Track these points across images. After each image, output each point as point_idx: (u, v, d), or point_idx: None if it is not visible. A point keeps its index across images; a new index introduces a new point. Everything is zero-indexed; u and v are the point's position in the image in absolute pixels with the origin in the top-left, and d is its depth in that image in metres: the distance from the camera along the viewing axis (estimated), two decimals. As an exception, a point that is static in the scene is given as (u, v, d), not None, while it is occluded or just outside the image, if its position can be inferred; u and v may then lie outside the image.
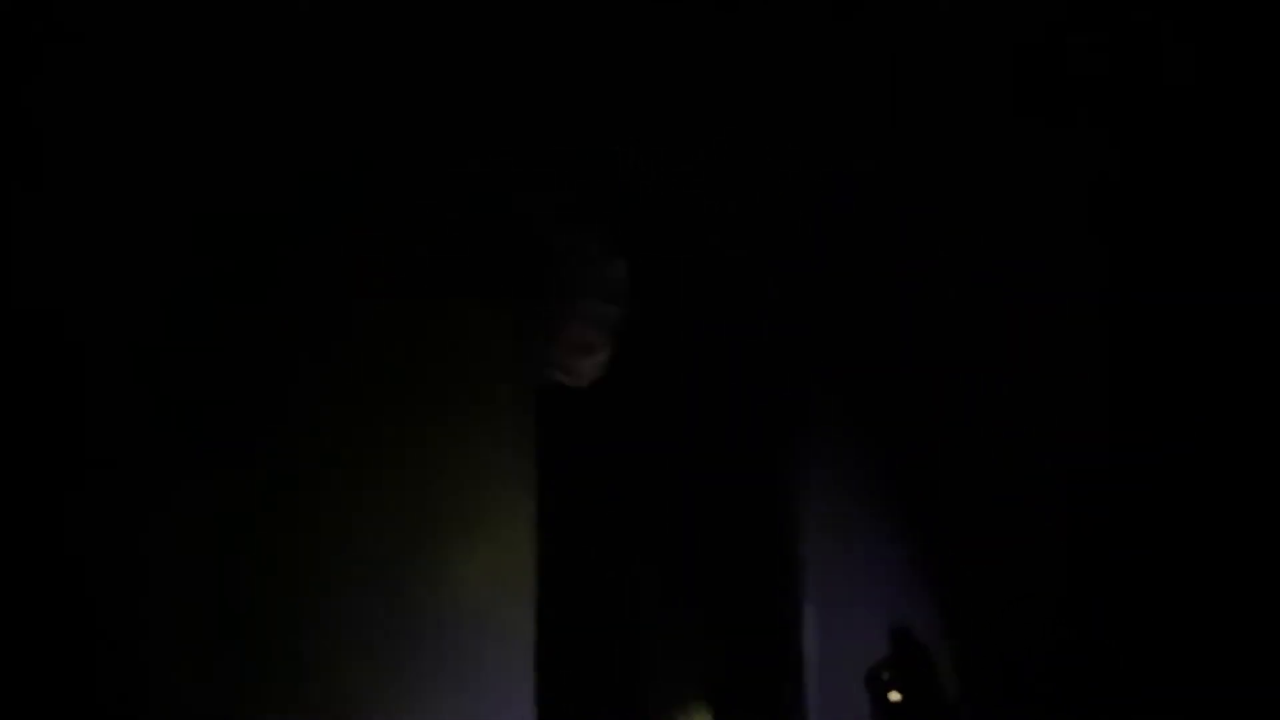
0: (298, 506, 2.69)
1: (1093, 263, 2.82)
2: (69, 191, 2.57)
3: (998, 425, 2.84)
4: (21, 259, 2.53)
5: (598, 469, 2.64)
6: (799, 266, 2.86)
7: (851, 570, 2.82)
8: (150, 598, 2.61)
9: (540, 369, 2.62)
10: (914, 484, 2.89)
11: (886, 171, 2.87)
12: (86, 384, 2.58)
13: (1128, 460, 2.78)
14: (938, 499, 2.88)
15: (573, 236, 2.70)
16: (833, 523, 2.84)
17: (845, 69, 2.85)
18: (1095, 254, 2.82)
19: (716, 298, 2.78)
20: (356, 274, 2.74)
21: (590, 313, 2.61)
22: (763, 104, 2.87)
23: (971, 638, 2.81)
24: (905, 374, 2.88)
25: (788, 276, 2.85)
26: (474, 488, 2.69)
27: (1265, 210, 2.73)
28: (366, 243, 2.75)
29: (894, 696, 2.56)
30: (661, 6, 2.79)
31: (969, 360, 2.85)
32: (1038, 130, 2.83)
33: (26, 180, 2.58)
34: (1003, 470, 2.84)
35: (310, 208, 2.73)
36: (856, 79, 2.85)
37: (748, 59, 2.84)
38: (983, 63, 2.84)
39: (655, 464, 2.61)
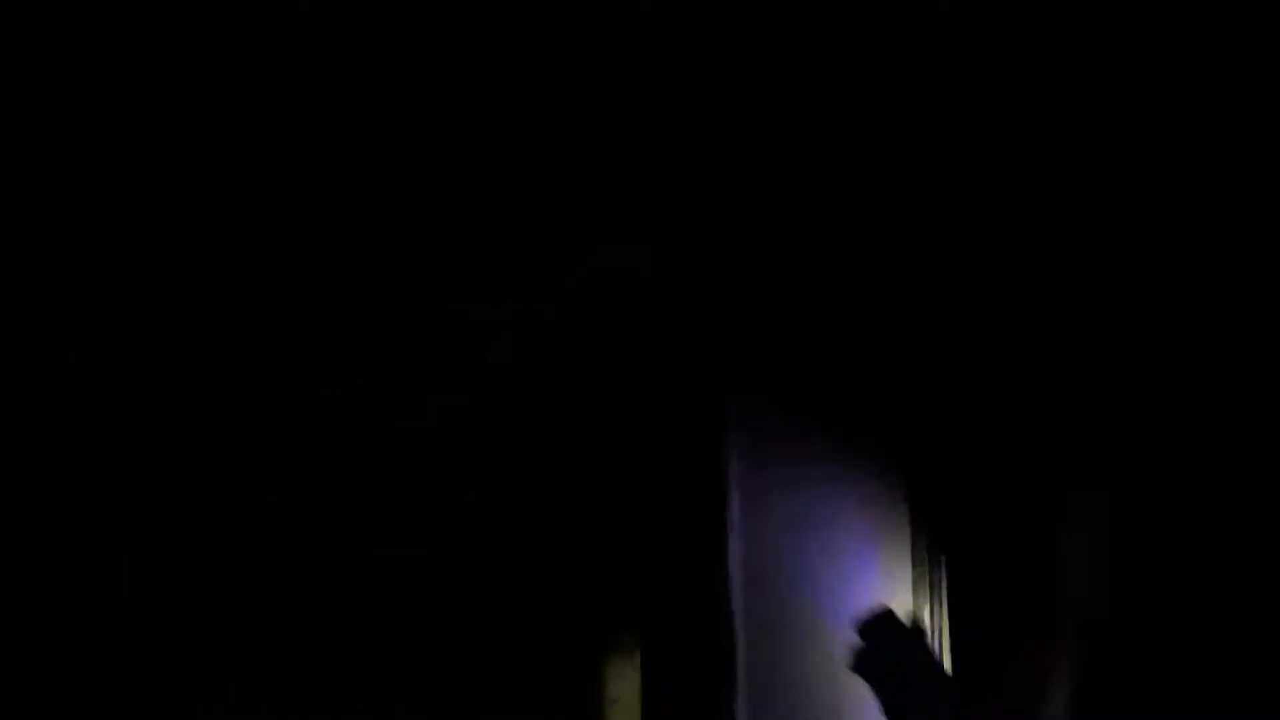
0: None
1: (1098, 260, 2.75)
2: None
3: (995, 429, 2.76)
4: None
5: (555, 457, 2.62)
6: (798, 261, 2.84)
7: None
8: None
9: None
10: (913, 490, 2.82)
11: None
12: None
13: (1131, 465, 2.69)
14: (937, 504, 2.80)
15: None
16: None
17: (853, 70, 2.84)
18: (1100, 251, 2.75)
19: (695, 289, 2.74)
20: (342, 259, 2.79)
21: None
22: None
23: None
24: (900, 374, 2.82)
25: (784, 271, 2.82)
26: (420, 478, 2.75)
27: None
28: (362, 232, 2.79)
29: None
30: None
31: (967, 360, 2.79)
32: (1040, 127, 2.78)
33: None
34: (1001, 476, 2.75)
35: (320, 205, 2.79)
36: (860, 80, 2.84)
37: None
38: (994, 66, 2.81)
39: (614, 456, 2.58)
